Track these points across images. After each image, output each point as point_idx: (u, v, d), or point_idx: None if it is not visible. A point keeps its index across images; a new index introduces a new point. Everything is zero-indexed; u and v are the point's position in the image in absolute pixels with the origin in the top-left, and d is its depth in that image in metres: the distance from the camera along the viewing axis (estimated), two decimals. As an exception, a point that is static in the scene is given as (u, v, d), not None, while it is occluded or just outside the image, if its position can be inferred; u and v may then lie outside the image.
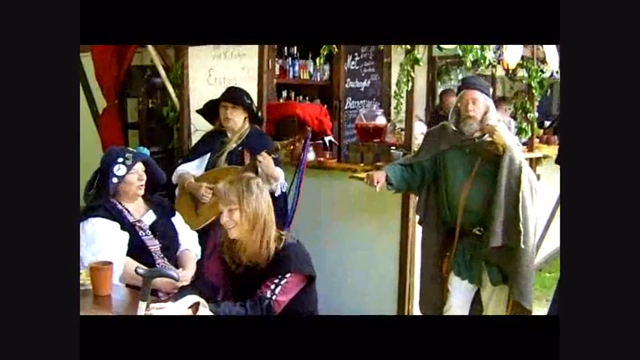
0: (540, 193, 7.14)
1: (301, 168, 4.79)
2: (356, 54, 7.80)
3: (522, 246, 4.08)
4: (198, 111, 5.14)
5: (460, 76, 8.30)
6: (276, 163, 4.62)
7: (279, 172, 4.66)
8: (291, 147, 4.72)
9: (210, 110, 5.01)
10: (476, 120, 4.23)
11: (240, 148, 4.79)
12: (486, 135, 4.17)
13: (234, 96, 4.85)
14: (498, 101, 8.63)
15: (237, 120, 4.81)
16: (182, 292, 3.17)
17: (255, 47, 5.81)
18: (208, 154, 4.86)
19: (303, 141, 4.72)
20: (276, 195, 4.70)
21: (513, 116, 7.47)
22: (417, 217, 4.69)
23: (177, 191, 4.90)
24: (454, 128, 4.34)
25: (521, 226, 4.07)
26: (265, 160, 4.48)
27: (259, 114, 4.99)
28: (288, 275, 3.17)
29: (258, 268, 3.22)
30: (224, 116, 4.81)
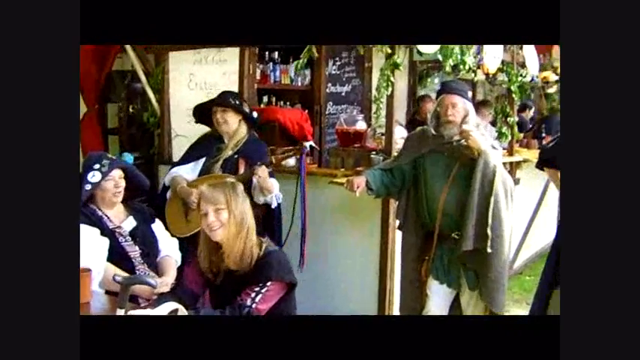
0: (520, 197, 7.21)
1: (302, 187, 4.78)
2: (337, 59, 7.79)
3: (489, 250, 4.10)
4: (196, 119, 5.10)
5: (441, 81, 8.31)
6: (270, 174, 4.61)
7: (274, 184, 4.65)
8: (285, 160, 4.71)
9: (204, 115, 4.98)
10: (455, 124, 4.25)
11: (235, 156, 4.77)
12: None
13: (221, 99, 4.85)
14: (479, 105, 8.67)
15: (230, 123, 4.79)
16: (161, 298, 3.15)
17: (236, 52, 5.82)
18: (203, 159, 4.84)
19: (299, 156, 4.71)
20: (272, 207, 4.71)
21: (494, 120, 7.50)
22: (397, 222, 4.69)
23: (169, 194, 4.87)
24: (434, 132, 4.36)
25: (489, 230, 4.09)
26: (263, 172, 4.45)
27: (253, 114, 4.94)
28: (269, 283, 3.16)
29: (238, 275, 3.20)
30: (216, 121, 4.80)
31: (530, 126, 11.02)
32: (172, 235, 4.22)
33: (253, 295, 3.11)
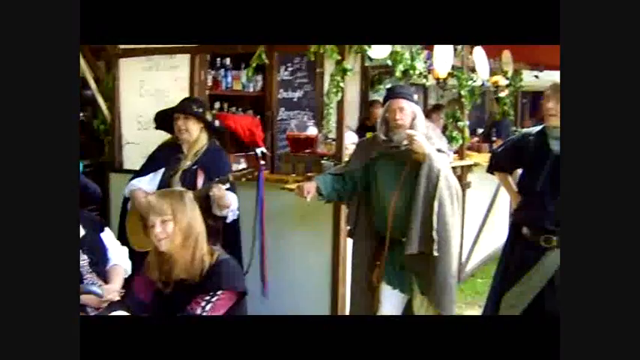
0: (471, 200, 7.29)
1: (260, 203, 4.74)
2: (289, 64, 7.80)
3: (435, 253, 4.13)
4: (157, 125, 5.03)
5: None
6: (231, 188, 4.56)
7: (231, 200, 4.58)
8: (244, 179, 4.66)
9: (165, 122, 4.89)
10: (404, 128, 4.27)
11: (194, 167, 4.66)
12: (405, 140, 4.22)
13: (184, 106, 4.76)
14: (432, 109, 8.74)
15: (191, 131, 4.68)
16: (110, 307, 3.13)
17: (188, 59, 5.79)
18: (162, 169, 4.73)
19: (257, 173, 4.67)
20: (227, 221, 4.65)
21: (445, 124, 7.56)
22: (348, 228, 4.70)
23: (129, 205, 4.80)
24: (383, 137, 4.37)
25: (434, 233, 4.12)
26: (219, 192, 4.40)
27: (215, 123, 4.86)
28: (219, 292, 3.14)
29: (188, 284, 3.17)
30: (177, 128, 4.69)
31: (482, 130, 11.13)
32: (134, 249, 4.18)
33: (204, 304, 3.09)
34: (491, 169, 4.85)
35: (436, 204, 4.12)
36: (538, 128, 4.37)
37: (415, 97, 4.53)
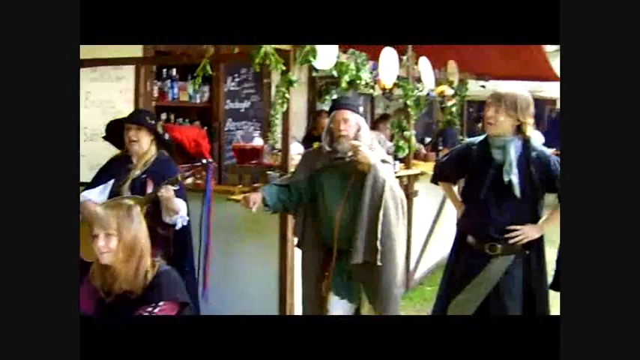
0: (419, 209, 7.34)
1: (207, 202, 4.70)
2: (236, 75, 7.81)
3: (379, 263, 4.16)
4: (106, 135, 4.96)
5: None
6: (179, 194, 4.52)
7: (180, 205, 4.54)
8: (192, 178, 4.63)
9: (114, 132, 4.85)
10: (348, 138, 4.29)
11: (144, 175, 4.63)
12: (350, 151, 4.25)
13: (135, 117, 4.73)
14: (379, 119, 8.80)
15: (142, 143, 4.65)
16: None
17: (133, 70, 5.74)
18: (112, 181, 4.68)
19: (204, 172, 4.64)
20: (176, 228, 4.61)
21: (392, 135, 7.61)
22: (296, 240, 4.71)
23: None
24: (328, 148, 4.39)
25: (378, 243, 4.15)
26: (167, 192, 4.36)
27: (166, 136, 4.83)
28: (161, 303, 3.14)
29: (131, 295, 3.17)
30: (128, 139, 4.65)
31: (430, 139, 11.24)
32: (84, 259, 4.13)
33: (146, 315, 3.08)
34: (435, 179, 4.89)
35: (381, 214, 4.15)
36: (481, 138, 4.42)
37: (361, 108, 4.59)
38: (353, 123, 4.35)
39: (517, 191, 4.11)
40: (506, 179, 4.11)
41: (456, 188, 4.83)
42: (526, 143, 4.20)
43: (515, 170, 4.11)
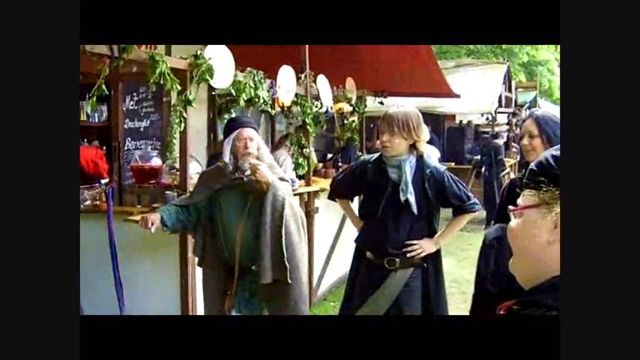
0: (320, 225, 7.41)
1: (110, 221, 4.66)
2: (134, 94, 7.73)
3: (289, 280, 4.21)
4: None
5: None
6: None
7: None
8: (90, 200, 4.58)
9: None
10: (254, 155, 4.31)
11: None
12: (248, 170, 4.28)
13: None
14: (281, 139, 8.85)
15: None
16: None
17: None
18: None
19: (103, 193, 4.60)
20: None
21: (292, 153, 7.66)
22: (197, 259, 4.70)
23: None
24: (231, 168, 4.39)
25: (286, 261, 4.19)
26: None
27: None
28: None
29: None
30: None
31: (331, 155, 11.37)
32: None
33: None
34: (331, 196, 4.98)
35: (283, 231, 4.19)
36: (376, 156, 4.53)
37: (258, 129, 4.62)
38: (256, 142, 4.38)
39: (414, 209, 4.24)
40: (402, 199, 4.24)
41: (351, 205, 4.92)
42: (420, 160, 4.33)
43: (411, 189, 4.24)
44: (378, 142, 8.70)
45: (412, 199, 4.24)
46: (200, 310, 4.82)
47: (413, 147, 4.33)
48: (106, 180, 4.94)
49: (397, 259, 4.31)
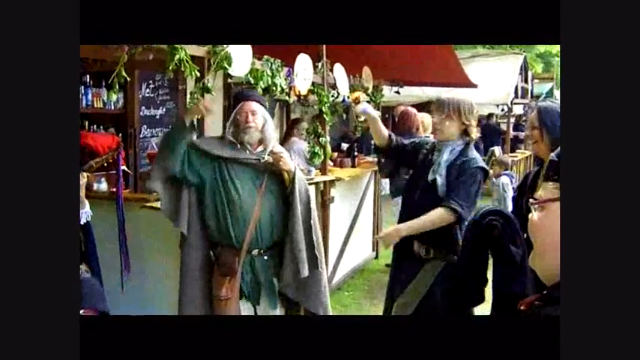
0: (334, 215, 7.43)
1: (119, 194, 4.64)
2: (150, 81, 7.77)
3: (321, 270, 4.21)
4: None
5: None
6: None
7: (83, 200, 4.36)
8: (105, 164, 4.55)
9: None
10: (257, 129, 4.28)
11: None
12: (268, 158, 4.25)
13: None
14: (292, 124, 8.87)
15: None
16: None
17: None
18: None
19: (116, 156, 4.56)
20: (81, 223, 4.51)
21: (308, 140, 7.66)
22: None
23: None
24: (231, 139, 4.33)
25: (317, 251, 4.19)
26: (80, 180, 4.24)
27: None
28: (81, 312, 3.11)
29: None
30: None
31: (348, 145, 11.37)
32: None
33: None
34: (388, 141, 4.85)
35: (312, 222, 4.18)
36: (432, 140, 4.56)
37: (266, 103, 4.58)
38: (260, 115, 4.35)
39: (440, 191, 4.20)
40: (430, 178, 4.22)
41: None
42: (466, 148, 4.31)
43: (442, 171, 4.22)
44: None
45: (440, 180, 4.23)
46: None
47: (465, 134, 4.33)
48: (123, 167, 4.92)
49: (431, 249, 4.30)
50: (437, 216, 4.21)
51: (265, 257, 4.28)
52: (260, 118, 4.33)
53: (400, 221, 4.48)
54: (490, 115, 18.21)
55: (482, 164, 4.38)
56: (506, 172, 9.04)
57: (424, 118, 7.78)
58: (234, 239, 4.24)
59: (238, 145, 4.30)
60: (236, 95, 4.62)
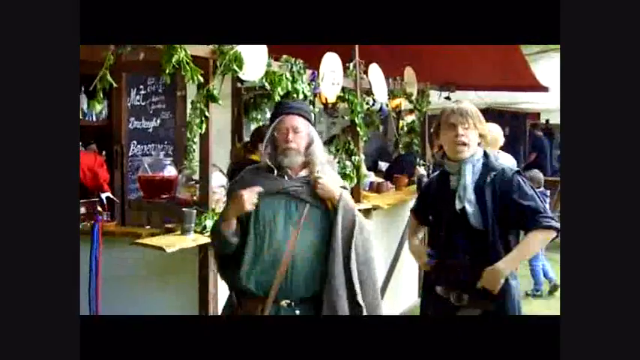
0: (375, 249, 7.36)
1: (94, 262, 4.64)
2: (141, 86, 7.72)
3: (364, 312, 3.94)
4: None
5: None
6: None
7: None
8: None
9: None
10: (299, 152, 3.97)
11: None
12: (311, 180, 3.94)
13: None
14: (325, 144, 8.77)
15: None
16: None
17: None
18: None
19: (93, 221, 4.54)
20: None
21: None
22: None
23: None
24: (269, 163, 4.02)
25: (359, 298, 3.82)
26: None
27: None
28: None
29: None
30: None
31: (388, 165, 11.22)
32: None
33: None
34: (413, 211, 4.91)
35: (353, 255, 3.83)
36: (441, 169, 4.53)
37: (313, 117, 4.32)
38: (304, 134, 4.02)
39: (473, 221, 4.11)
40: (458, 207, 4.14)
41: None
42: (486, 160, 4.24)
43: (470, 196, 4.17)
44: (435, 149, 8.53)
45: (470, 208, 4.14)
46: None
47: (479, 145, 4.29)
48: (107, 193, 4.92)
49: (465, 295, 4.21)
50: (539, 240, 4.14)
51: (297, 311, 3.98)
52: (304, 137, 4.02)
53: (432, 265, 4.45)
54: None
55: (513, 167, 4.40)
56: (540, 189, 8.95)
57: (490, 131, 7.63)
58: (256, 285, 3.92)
59: (275, 172, 4.03)
60: (274, 108, 4.30)
